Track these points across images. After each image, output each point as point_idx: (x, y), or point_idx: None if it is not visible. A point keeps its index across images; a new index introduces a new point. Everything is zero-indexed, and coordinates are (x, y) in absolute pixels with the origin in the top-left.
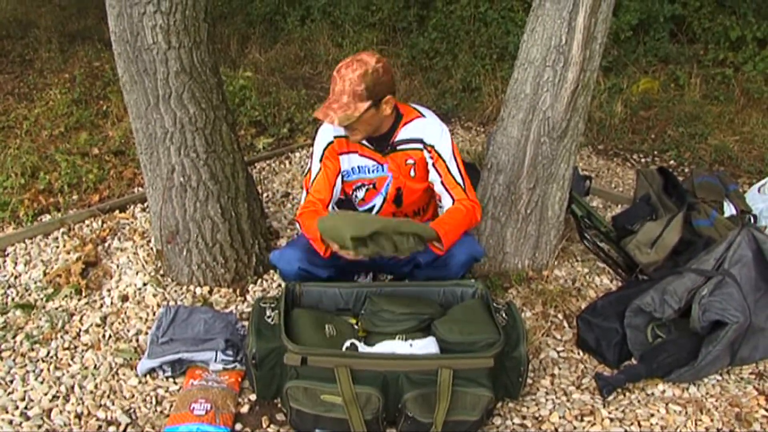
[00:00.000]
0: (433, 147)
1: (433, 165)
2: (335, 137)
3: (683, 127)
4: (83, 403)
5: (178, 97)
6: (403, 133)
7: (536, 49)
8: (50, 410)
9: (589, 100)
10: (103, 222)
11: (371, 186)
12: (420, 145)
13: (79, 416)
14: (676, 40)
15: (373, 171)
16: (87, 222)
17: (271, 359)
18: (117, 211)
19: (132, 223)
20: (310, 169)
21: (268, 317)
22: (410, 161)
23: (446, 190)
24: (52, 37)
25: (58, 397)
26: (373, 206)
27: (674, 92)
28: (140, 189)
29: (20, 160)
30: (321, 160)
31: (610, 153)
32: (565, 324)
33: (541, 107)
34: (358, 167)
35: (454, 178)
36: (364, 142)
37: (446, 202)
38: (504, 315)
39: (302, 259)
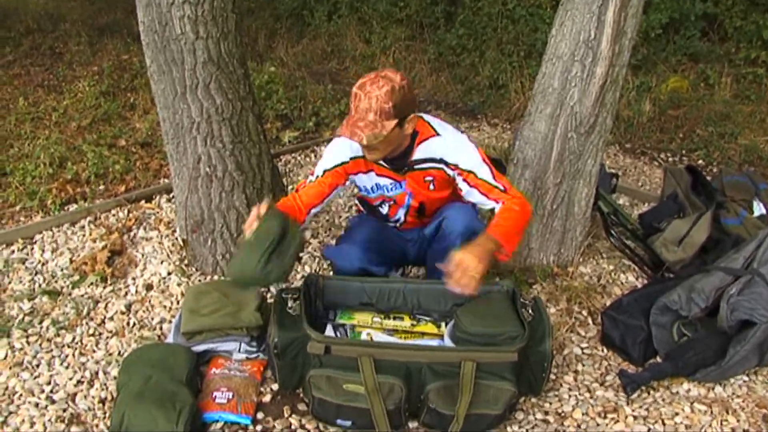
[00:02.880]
0: (457, 165)
1: (464, 180)
2: (351, 158)
3: (712, 127)
4: (107, 388)
5: (205, 87)
6: (419, 153)
7: (565, 44)
8: (75, 395)
9: (618, 96)
10: (128, 211)
11: (393, 202)
12: (440, 165)
13: (102, 401)
14: (707, 38)
15: (391, 189)
16: (113, 211)
17: (293, 349)
18: (143, 201)
19: (157, 213)
20: (313, 171)
21: (290, 308)
22: (429, 178)
23: (486, 197)
24: (82, 30)
25: (83, 382)
26: (399, 218)
27: (704, 91)
28: (166, 180)
29: (49, 151)
30: (326, 172)
31: (638, 151)
32: (590, 321)
33: (569, 102)
34: (377, 185)
35: (489, 183)
36: (381, 161)
37: (494, 207)
38: (530, 311)
39: (362, 259)
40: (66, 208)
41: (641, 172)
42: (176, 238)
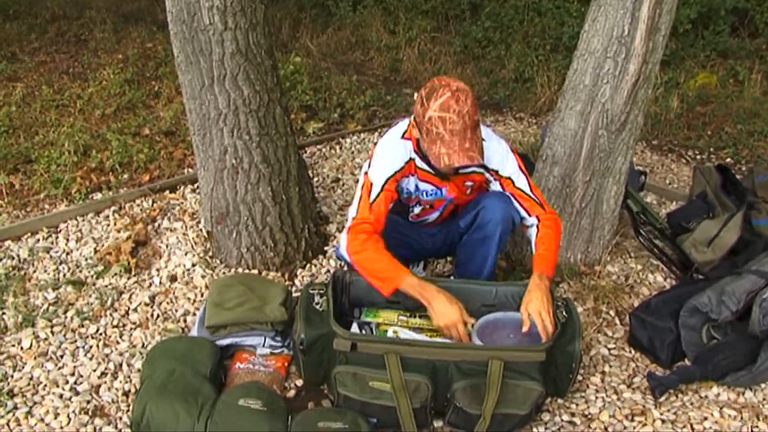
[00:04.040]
0: (497, 171)
1: (501, 185)
2: (406, 162)
3: (741, 124)
4: (131, 381)
5: (232, 78)
6: None
7: (597, 40)
8: (99, 386)
9: (650, 93)
10: (153, 201)
11: (429, 206)
12: (481, 169)
13: (126, 394)
14: (737, 34)
15: (431, 194)
16: (137, 201)
17: (319, 345)
18: (167, 191)
19: (182, 203)
20: (372, 182)
21: (317, 303)
22: (469, 183)
23: (522, 207)
24: (107, 17)
25: (107, 374)
26: (426, 219)
27: (733, 88)
28: (190, 170)
29: (73, 139)
30: (388, 180)
31: (665, 148)
32: (617, 321)
33: (600, 99)
34: (417, 187)
35: (526, 194)
36: (425, 166)
37: (525, 219)
38: (564, 312)
39: None
40: (90, 196)
41: (668, 169)
42: (201, 230)
